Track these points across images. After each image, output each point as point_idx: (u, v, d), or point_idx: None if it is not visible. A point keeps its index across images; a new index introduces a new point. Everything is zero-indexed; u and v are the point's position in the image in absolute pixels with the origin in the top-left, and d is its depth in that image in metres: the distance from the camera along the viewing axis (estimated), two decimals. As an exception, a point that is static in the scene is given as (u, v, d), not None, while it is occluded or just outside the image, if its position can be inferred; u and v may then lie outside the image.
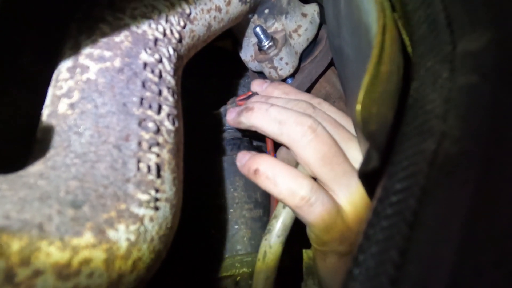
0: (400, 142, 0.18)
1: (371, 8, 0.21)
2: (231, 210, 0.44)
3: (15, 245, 0.14)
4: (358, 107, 0.17)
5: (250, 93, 0.44)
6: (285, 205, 0.36)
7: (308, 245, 0.37)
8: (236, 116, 0.38)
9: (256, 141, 0.55)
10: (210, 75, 0.63)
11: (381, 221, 0.16)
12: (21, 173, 0.19)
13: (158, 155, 0.24)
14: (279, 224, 0.35)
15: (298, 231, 0.36)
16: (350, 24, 0.28)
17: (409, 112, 0.18)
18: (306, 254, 0.37)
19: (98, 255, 0.16)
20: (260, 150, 0.51)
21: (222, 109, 0.48)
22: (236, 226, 0.43)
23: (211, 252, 0.42)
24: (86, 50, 0.25)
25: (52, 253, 0.15)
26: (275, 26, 0.48)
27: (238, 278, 0.40)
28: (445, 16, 0.20)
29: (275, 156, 0.40)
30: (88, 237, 0.16)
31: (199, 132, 0.53)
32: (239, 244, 0.42)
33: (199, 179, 0.45)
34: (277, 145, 0.40)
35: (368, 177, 0.19)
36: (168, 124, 0.26)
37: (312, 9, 0.50)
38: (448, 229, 0.14)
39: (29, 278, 0.14)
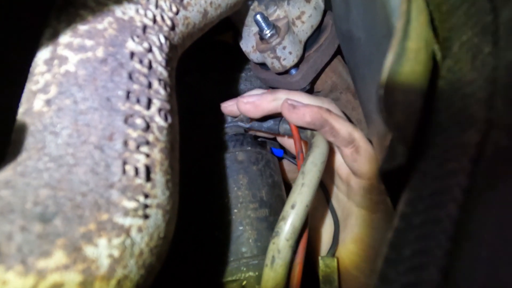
0: (432, 134, 0.14)
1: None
2: (235, 210, 0.41)
3: (-40, 274, 0.11)
4: (381, 91, 0.14)
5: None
6: (293, 205, 0.33)
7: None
8: (284, 109, 0.36)
9: (259, 136, 0.52)
10: (210, 70, 0.60)
11: (411, 229, 0.13)
12: (-13, 181, 0.16)
13: (147, 156, 0.21)
14: (288, 226, 0.32)
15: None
16: (362, 3, 0.24)
17: (442, 97, 0.15)
18: (323, 261, 0.34)
19: (72, 278, 0.14)
20: (264, 145, 0.48)
21: (241, 115, 0.45)
22: (241, 227, 0.40)
23: (215, 255, 0.39)
24: (65, 40, 0.22)
25: (10, 280, 0.12)
26: (277, 13, 0.44)
27: (244, 282, 0.38)
28: (482, -20, 0.16)
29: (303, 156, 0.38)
30: (58, 257, 0.14)
31: (199, 128, 0.50)
32: (245, 247, 0.39)
33: (200, 178, 0.42)
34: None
35: (391, 175, 0.16)
36: (159, 120, 0.23)
37: (316, -6, 0.46)
38: (506, 244, 0.11)
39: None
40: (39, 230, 0.14)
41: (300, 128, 0.40)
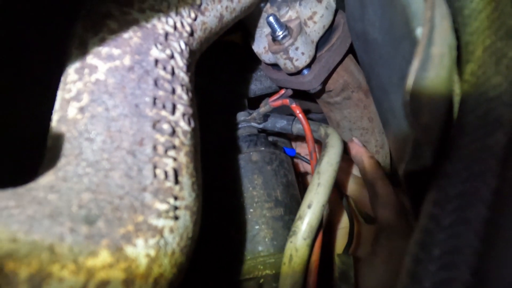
0: (458, 136, 0.15)
1: (411, -19, 0.18)
2: (251, 210, 0.41)
3: (24, 272, 0.12)
4: (407, 97, 0.14)
5: (282, 91, 0.42)
6: (310, 205, 0.33)
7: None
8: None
9: (272, 136, 0.53)
10: (220, 71, 0.60)
11: (441, 229, 0.13)
12: (31, 185, 0.17)
13: (175, 159, 0.22)
14: (305, 226, 0.32)
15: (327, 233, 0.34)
16: (380, 4, 0.25)
17: (466, 100, 0.15)
18: (339, 258, 0.35)
19: (117, 276, 0.15)
20: (276, 145, 0.48)
21: (255, 113, 0.46)
22: (257, 227, 0.41)
23: (232, 254, 0.40)
24: (94, 49, 0.23)
25: (65, 278, 0.13)
26: (289, 14, 0.45)
27: (262, 280, 0.38)
28: (504, -17, 0.16)
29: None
30: (104, 256, 0.15)
31: (213, 130, 0.51)
32: (261, 245, 0.40)
33: (216, 179, 0.43)
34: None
35: (414, 176, 0.16)
36: (184, 125, 0.24)
37: (327, -6, 0.47)
38: (534, 243, 0.11)
39: (41, 309, 0.12)
40: (86, 232, 0.15)
41: (313, 128, 0.41)
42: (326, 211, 0.41)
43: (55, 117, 0.22)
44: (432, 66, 0.15)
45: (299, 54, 0.44)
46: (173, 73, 0.25)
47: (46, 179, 0.17)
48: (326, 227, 0.45)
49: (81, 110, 0.21)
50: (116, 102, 0.21)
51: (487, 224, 0.12)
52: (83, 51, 0.23)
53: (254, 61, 0.56)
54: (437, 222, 0.13)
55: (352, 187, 0.46)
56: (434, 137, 0.15)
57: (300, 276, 0.32)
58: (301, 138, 0.54)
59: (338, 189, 0.44)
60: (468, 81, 0.16)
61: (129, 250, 0.16)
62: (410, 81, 0.14)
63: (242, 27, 0.51)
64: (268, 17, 0.41)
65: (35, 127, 0.27)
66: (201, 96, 0.54)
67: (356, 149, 0.46)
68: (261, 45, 0.49)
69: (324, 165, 0.35)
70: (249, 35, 0.51)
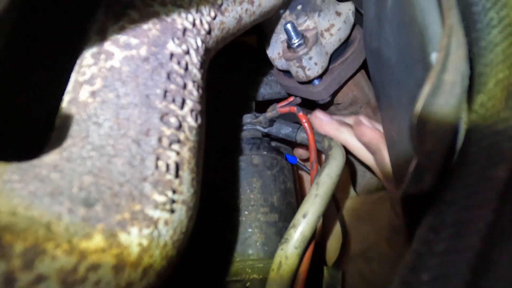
0: (460, 164, 0.15)
1: (431, 5, 0.18)
2: (246, 212, 0.42)
3: (19, 246, 0.12)
4: (414, 120, 0.15)
5: (291, 99, 0.43)
6: (305, 214, 0.34)
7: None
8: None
9: (275, 142, 0.53)
10: (233, 70, 0.61)
11: (432, 255, 0.13)
12: (35, 162, 0.17)
13: (178, 153, 0.22)
14: (298, 235, 0.32)
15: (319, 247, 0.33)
16: (398, 23, 0.25)
17: (473, 130, 0.15)
18: (328, 271, 0.35)
19: (107, 261, 0.15)
20: (278, 151, 0.49)
21: (262, 116, 0.46)
22: (250, 230, 0.41)
23: (222, 254, 0.40)
24: (112, 36, 0.23)
25: (58, 256, 0.13)
26: (307, 23, 0.45)
27: (248, 284, 0.38)
28: (522, 20, 0.17)
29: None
30: (98, 240, 0.15)
31: (218, 128, 0.51)
32: (252, 249, 0.40)
33: (215, 177, 0.43)
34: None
35: (412, 198, 0.17)
36: (191, 120, 0.24)
37: (347, 8, 0.47)
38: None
39: (30, 284, 0.12)
40: (83, 214, 0.15)
41: (317, 139, 0.41)
42: (320, 222, 0.41)
43: (66, 98, 0.22)
44: (442, 93, 0.15)
45: (312, 64, 0.44)
46: (186, 68, 0.25)
47: (51, 157, 0.18)
48: (319, 239, 0.45)
49: (93, 94, 0.21)
50: (128, 90, 0.21)
51: (479, 256, 0.12)
52: (102, 37, 0.23)
53: (267, 65, 0.56)
54: (430, 248, 0.14)
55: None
56: (436, 163, 0.15)
57: (287, 284, 0.32)
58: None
59: (335, 202, 0.44)
60: (477, 111, 0.16)
61: (123, 237, 0.16)
62: (419, 105, 0.15)
63: (258, 30, 0.51)
64: (286, 24, 0.42)
65: (45, 105, 0.28)
66: (211, 93, 0.55)
67: (370, 135, 0.36)
68: (275, 51, 0.50)
69: (323, 177, 0.35)
70: (265, 39, 0.51)
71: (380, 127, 0.38)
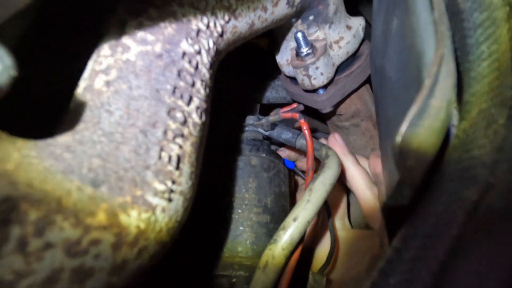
0: (438, 183, 0.16)
1: (429, 34, 0.19)
2: (239, 211, 0.43)
3: (33, 215, 0.14)
4: (398, 139, 0.16)
5: (294, 105, 0.44)
6: (295, 218, 0.35)
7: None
8: None
9: (274, 145, 0.55)
10: (241, 71, 0.62)
11: (401, 261, 0.15)
12: (50, 141, 0.19)
13: (180, 147, 0.23)
14: (287, 237, 0.34)
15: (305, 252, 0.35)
16: (400, 46, 0.26)
17: (452, 153, 0.17)
18: (313, 276, 0.36)
19: (107, 238, 0.16)
20: (277, 154, 0.50)
21: (264, 120, 0.48)
22: (241, 228, 0.42)
23: (212, 248, 0.42)
24: (130, 31, 0.25)
25: (65, 228, 0.15)
26: (317, 34, 0.47)
27: (234, 280, 0.40)
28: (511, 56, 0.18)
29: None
30: (101, 218, 0.16)
31: (221, 126, 0.52)
32: (241, 246, 0.41)
33: (213, 173, 0.44)
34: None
35: (392, 211, 0.18)
36: (195, 117, 0.26)
37: (358, 23, 0.49)
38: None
39: (39, 249, 0.14)
40: (90, 193, 0.17)
41: (316, 147, 0.43)
42: (311, 228, 0.43)
43: (82, 84, 0.24)
44: (427, 116, 0.16)
45: (318, 73, 0.46)
46: (196, 67, 0.27)
47: (64, 138, 0.19)
48: (308, 244, 0.46)
49: (107, 83, 0.23)
50: (140, 83, 0.23)
51: (442, 265, 0.14)
52: (121, 30, 0.25)
53: (275, 69, 0.58)
54: (400, 255, 0.15)
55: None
56: (416, 180, 0.16)
57: (271, 283, 0.33)
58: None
59: (326, 209, 0.45)
60: (459, 136, 0.17)
61: (123, 218, 0.18)
62: (404, 125, 0.16)
63: (270, 34, 0.53)
64: (296, 32, 0.43)
65: (59, 87, 0.30)
66: (218, 92, 0.56)
67: (355, 174, 0.42)
68: (284, 57, 0.51)
69: (317, 184, 0.37)
70: (275, 44, 0.53)
71: None
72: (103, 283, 0.16)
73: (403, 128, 0.16)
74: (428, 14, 0.19)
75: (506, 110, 0.16)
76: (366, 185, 0.41)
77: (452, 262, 0.14)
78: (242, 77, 0.63)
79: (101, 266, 0.16)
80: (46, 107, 0.27)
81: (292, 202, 0.49)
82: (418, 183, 0.17)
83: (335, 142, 0.46)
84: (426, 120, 0.17)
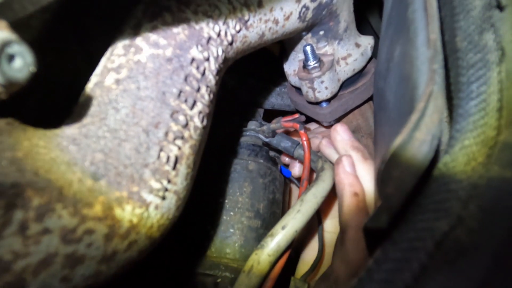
0: (413, 212, 0.17)
1: (423, 70, 0.20)
2: (231, 213, 0.44)
3: (36, 201, 0.15)
4: (382, 166, 0.17)
5: (296, 115, 0.45)
6: (284, 226, 0.36)
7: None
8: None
9: (273, 151, 0.56)
10: (250, 75, 0.63)
11: (371, 283, 0.16)
12: (57, 131, 0.20)
13: (179, 148, 0.25)
14: (273, 244, 0.35)
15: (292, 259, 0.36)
16: (400, 74, 0.27)
17: (431, 184, 0.18)
18: (294, 282, 0.37)
19: (101, 229, 0.18)
20: (274, 161, 0.51)
21: (266, 126, 0.49)
22: (232, 230, 0.43)
23: (200, 247, 0.43)
24: (145, 33, 0.26)
25: (63, 216, 0.16)
26: (326, 49, 0.48)
27: (219, 280, 0.41)
28: (499, 98, 0.19)
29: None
30: (97, 210, 0.18)
31: (224, 128, 0.54)
32: (229, 248, 0.43)
33: (209, 174, 0.46)
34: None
35: (373, 233, 0.19)
36: (197, 121, 0.27)
37: (367, 42, 0.50)
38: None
39: (38, 234, 0.15)
40: (90, 186, 0.18)
41: (313, 158, 0.44)
42: (299, 237, 0.43)
43: (93, 79, 0.25)
44: (411, 148, 0.18)
45: (323, 87, 0.47)
46: (203, 73, 0.28)
47: (71, 130, 0.21)
48: (292, 252, 0.47)
49: (117, 81, 0.24)
50: (148, 84, 0.24)
51: (408, 289, 0.15)
52: (135, 32, 0.26)
53: (283, 76, 0.59)
54: (371, 276, 0.16)
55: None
56: (394, 207, 0.17)
57: (254, 287, 0.35)
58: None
59: (317, 217, 0.46)
60: (440, 169, 0.19)
61: (118, 211, 0.19)
62: (387, 153, 0.17)
63: (281, 42, 0.54)
64: (305, 45, 0.45)
65: (69, 79, 0.31)
66: (225, 94, 0.58)
67: (342, 176, 0.38)
68: (291, 67, 0.52)
69: (309, 195, 0.38)
70: (284, 53, 0.54)
71: None
72: (92, 270, 0.18)
73: (387, 156, 0.17)
74: (425, 49, 0.20)
75: (486, 149, 0.18)
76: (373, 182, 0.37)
77: (417, 287, 0.15)
78: (249, 80, 0.64)
79: (92, 254, 0.17)
80: (56, 97, 0.29)
81: (285, 209, 0.50)
82: (395, 210, 0.18)
83: (337, 136, 0.42)
84: (409, 151, 0.18)
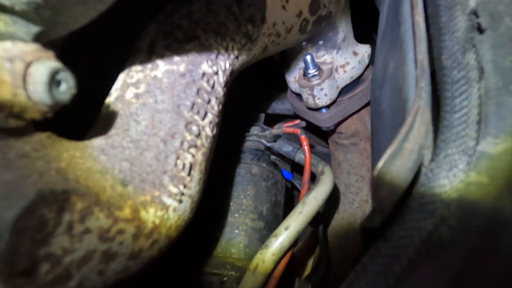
0: (403, 213, 0.20)
1: (413, 85, 0.23)
2: (236, 215, 0.47)
3: (79, 205, 0.18)
4: (375, 173, 0.20)
5: (297, 121, 0.48)
6: (287, 227, 0.39)
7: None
8: None
9: (275, 156, 0.59)
10: (253, 81, 0.66)
11: (366, 275, 0.19)
12: (87, 143, 0.23)
13: (193, 156, 0.28)
14: (277, 244, 0.38)
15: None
16: (393, 87, 0.30)
17: (419, 188, 0.21)
18: (298, 283, 0.40)
19: (130, 229, 0.21)
20: (276, 165, 0.54)
21: (268, 131, 0.52)
22: (236, 231, 0.46)
23: (207, 247, 0.45)
24: (160, 51, 0.29)
25: (100, 218, 0.19)
26: (325, 57, 0.51)
27: (225, 278, 0.44)
28: (478, 112, 0.22)
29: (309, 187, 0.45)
30: (127, 212, 0.21)
31: (227, 133, 0.56)
32: (235, 248, 0.45)
33: (215, 176, 0.48)
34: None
35: (368, 231, 0.22)
36: (208, 130, 0.30)
37: (364, 50, 0.53)
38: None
39: (81, 233, 0.18)
40: (120, 191, 0.21)
41: (313, 162, 0.47)
42: (302, 238, 0.46)
43: (114, 94, 0.28)
44: (400, 157, 0.21)
45: (322, 94, 0.50)
46: (213, 86, 0.31)
47: (99, 141, 0.23)
48: (298, 253, 0.50)
49: (137, 96, 0.27)
50: (164, 98, 0.27)
51: (397, 281, 0.18)
52: (151, 49, 0.29)
53: (283, 81, 0.62)
54: (366, 269, 0.19)
55: None
56: (387, 208, 0.20)
57: (259, 285, 0.37)
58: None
59: (318, 220, 0.49)
60: (426, 174, 0.21)
61: (143, 214, 0.22)
62: (381, 162, 0.20)
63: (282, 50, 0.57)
64: (306, 55, 0.48)
65: (88, 93, 0.34)
66: (229, 100, 0.60)
67: None
68: (292, 75, 0.55)
69: (310, 198, 0.41)
70: (285, 61, 0.57)
71: None
72: (122, 266, 0.20)
73: (380, 164, 0.20)
74: (413, 68, 0.23)
75: (466, 157, 0.20)
76: None
77: (406, 278, 0.18)
78: (252, 86, 0.66)
79: (123, 251, 0.20)
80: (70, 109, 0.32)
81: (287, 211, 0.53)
82: (389, 212, 0.21)
83: None
84: (399, 160, 0.21)
